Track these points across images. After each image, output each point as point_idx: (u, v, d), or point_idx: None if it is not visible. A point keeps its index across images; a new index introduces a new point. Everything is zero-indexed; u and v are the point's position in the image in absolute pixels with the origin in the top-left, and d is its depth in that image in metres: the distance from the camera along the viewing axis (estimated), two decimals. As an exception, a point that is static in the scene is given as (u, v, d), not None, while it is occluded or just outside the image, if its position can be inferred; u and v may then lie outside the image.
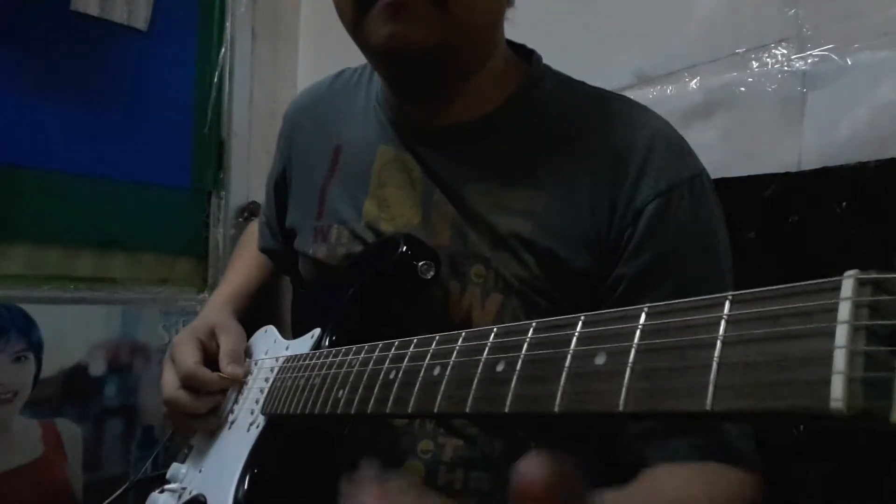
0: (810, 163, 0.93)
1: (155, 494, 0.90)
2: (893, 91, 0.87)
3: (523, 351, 0.42)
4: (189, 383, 0.87)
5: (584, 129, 0.79)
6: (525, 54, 0.87)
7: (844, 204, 0.87)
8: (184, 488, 0.87)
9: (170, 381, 0.90)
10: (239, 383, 0.88)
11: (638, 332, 0.33)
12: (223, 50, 1.83)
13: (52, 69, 1.56)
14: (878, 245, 0.83)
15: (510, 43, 0.87)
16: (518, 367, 0.41)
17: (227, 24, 1.83)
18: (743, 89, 1.03)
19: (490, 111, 0.81)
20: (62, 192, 1.58)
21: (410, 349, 0.50)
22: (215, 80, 1.82)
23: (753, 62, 1.02)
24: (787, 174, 0.93)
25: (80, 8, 1.56)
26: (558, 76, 0.85)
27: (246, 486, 0.73)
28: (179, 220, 1.79)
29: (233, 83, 1.84)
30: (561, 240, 0.76)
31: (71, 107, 1.58)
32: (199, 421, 0.89)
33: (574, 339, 0.36)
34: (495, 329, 0.45)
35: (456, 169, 0.81)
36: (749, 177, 0.96)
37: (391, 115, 0.87)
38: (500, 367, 0.43)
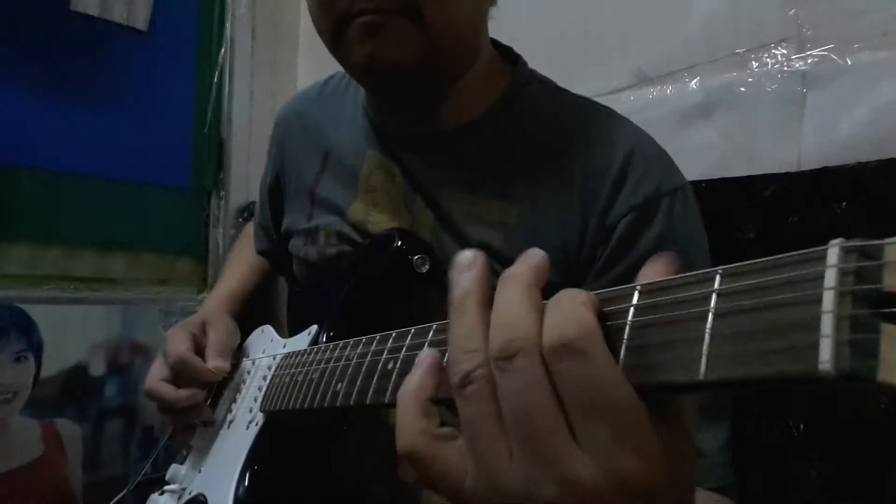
0: (810, 163, 0.93)
1: (155, 496, 0.90)
2: (893, 91, 0.88)
3: None
4: (180, 369, 0.89)
5: (564, 142, 0.77)
6: (512, 57, 0.85)
7: (844, 204, 0.87)
8: (183, 489, 0.87)
9: (153, 373, 0.91)
10: (224, 376, 0.89)
11: (631, 311, 0.33)
12: (223, 50, 1.84)
13: (52, 69, 1.56)
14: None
15: (496, 44, 0.86)
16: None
17: (227, 24, 1.84)
18: (743, 89, 1.03)
19: (472, 118, 0.80)
20: (62, 192, 1.58)
21: (408, 339, 0.50)
22: (215, 80, 1.83)
23: (753, 62, 1.02)
24: (787, 174, 0.93)
25: (80, 8, 1.57)
26: (543, 83, 0.84)
27: (246, 484, 0.73)
28: (179, 220, 1.80)
29: (233, 83, 1.85)
30: None
31: (71, 107, 1.59)
32: (182, 415, 0.90)
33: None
34: None
35: (434, 176, 0.81)
36: (749, 177, 0.95)
37: (376, 121, 0.87)
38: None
